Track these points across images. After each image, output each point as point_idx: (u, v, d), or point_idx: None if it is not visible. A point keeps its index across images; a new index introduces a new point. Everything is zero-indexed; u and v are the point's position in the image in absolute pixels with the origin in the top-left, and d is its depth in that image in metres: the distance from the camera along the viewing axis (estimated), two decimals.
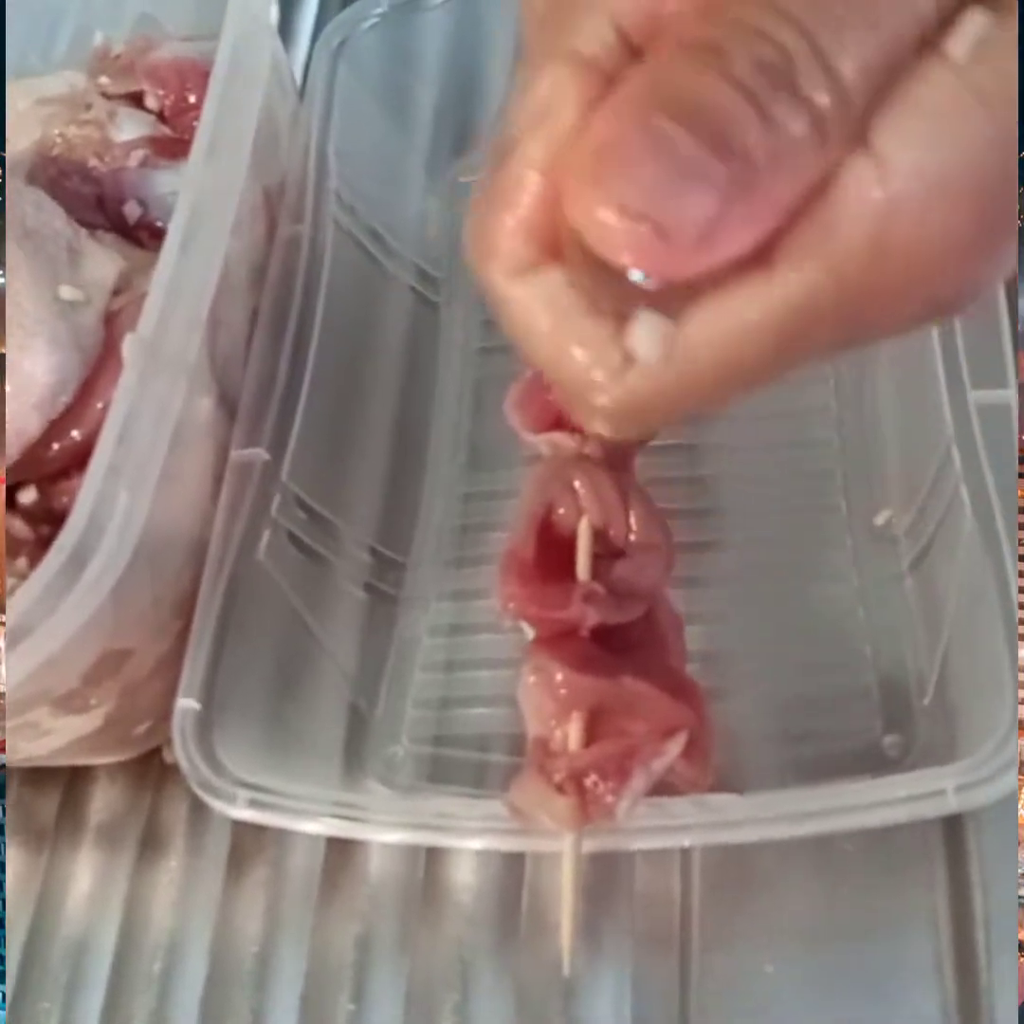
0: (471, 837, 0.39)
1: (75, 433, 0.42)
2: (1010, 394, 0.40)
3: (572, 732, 0.36)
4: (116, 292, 0.45)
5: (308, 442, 0.46)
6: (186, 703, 0.40)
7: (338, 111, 0.54)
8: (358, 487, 0.49)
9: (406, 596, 0.48)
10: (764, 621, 0.44)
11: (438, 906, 0.43)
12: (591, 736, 0.36)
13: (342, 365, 0.50)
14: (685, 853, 0.41)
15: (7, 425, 0.41)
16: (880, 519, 0.45)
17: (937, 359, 0.41)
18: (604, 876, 0.41)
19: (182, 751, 0.39)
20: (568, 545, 0.40)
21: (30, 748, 0.41)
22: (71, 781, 0.48)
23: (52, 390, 0.41)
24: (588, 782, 0.35)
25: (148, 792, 0.47)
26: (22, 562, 0.39)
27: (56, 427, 0.42)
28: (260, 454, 0.45)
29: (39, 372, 0.41)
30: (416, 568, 0.49)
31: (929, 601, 0.42)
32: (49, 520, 0.42)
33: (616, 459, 0.42)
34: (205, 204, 0.43)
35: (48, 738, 0.41)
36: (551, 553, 0.39)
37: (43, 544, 0.40)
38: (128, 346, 0.40)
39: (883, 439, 0.46)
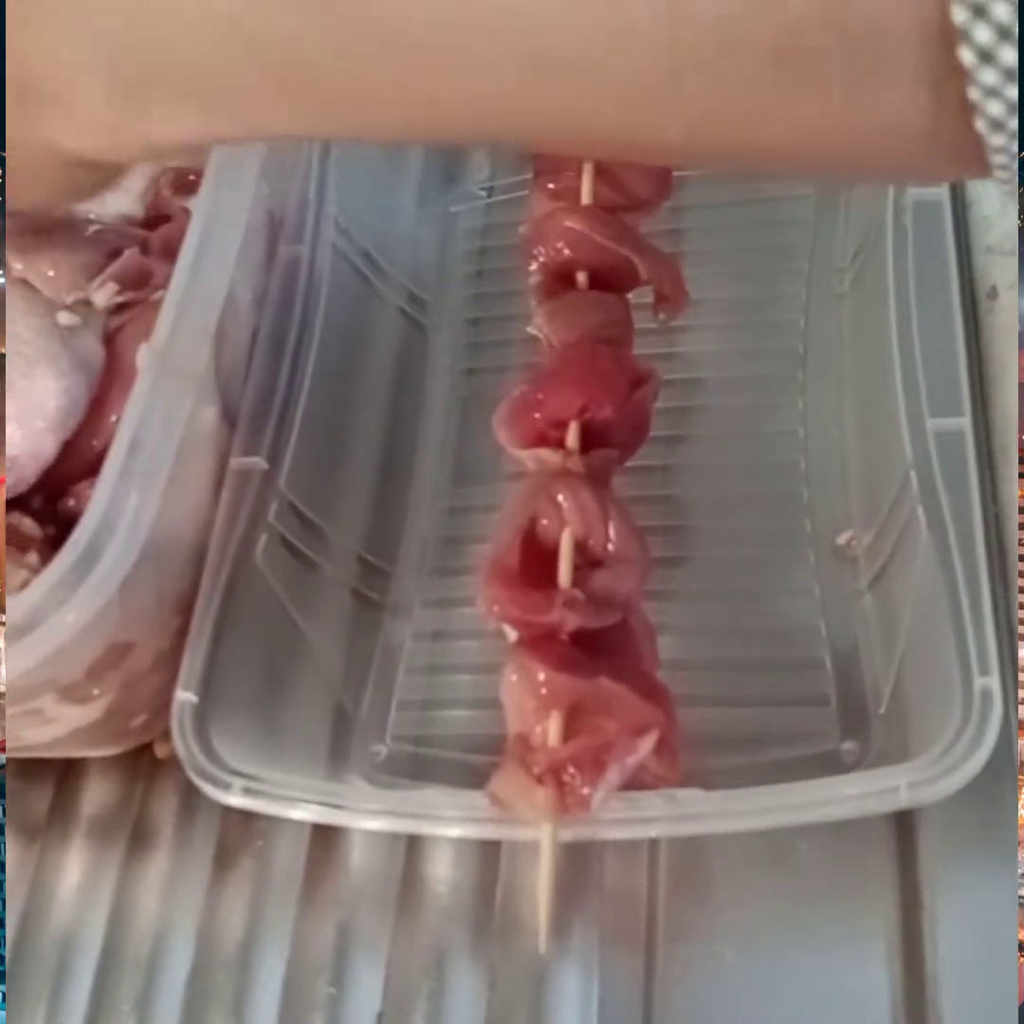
0: (452, 825, 0.40)
1: (88, 446, 0.44)
2: (964, 422, 0.42)
3: (552, 728, 0.38)
4: (113, 312, 0.47)
5: (304, 453, 0.48)
6: (185, 695, 0.42)
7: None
8: (349, 497, 0.52)
9: (392, 603, 0.51)
10: (731, 633, 0.47)
11: (416, 898, 0.45)
12: (569, 732, 0.38)
13: (336, 381, 0.52)
14: (652, 852, 0.44)
15: (22, 448, 0.43)
16: (842, 539, 0.48)
17: (898, 389, 0.44)
18: (575, 874, 0.43)
19: (180, 740, 0.41)
20: (550, 554, 0.42)
21: (33, 735, 0.43)
22: (63, 775, 0.50)
23: (62, 412, 0.44)
24: (566, 775, 0.37)
25: (139, 786, 0.49)
26: (33, 557, 0.41)
27: (70, 445, 0.44)
28: (259, 463, 0.47)
29: (48, 398, 0.44)
30: (401, 576, 0.51)
31: (886, 616, 0.44)
32: (55, 521, 0.44)
33: (598, 476, 0.45)
34: (214, 227, 0.45)
35: (50, 726, 0.43)
36: (534, 561, 0.42)
37: (51, 542, 0.42)
38: (142, 356, 0.42)
39: (846, 463, 0.49)
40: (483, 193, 0.63)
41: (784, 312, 0.55)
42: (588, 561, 0.42)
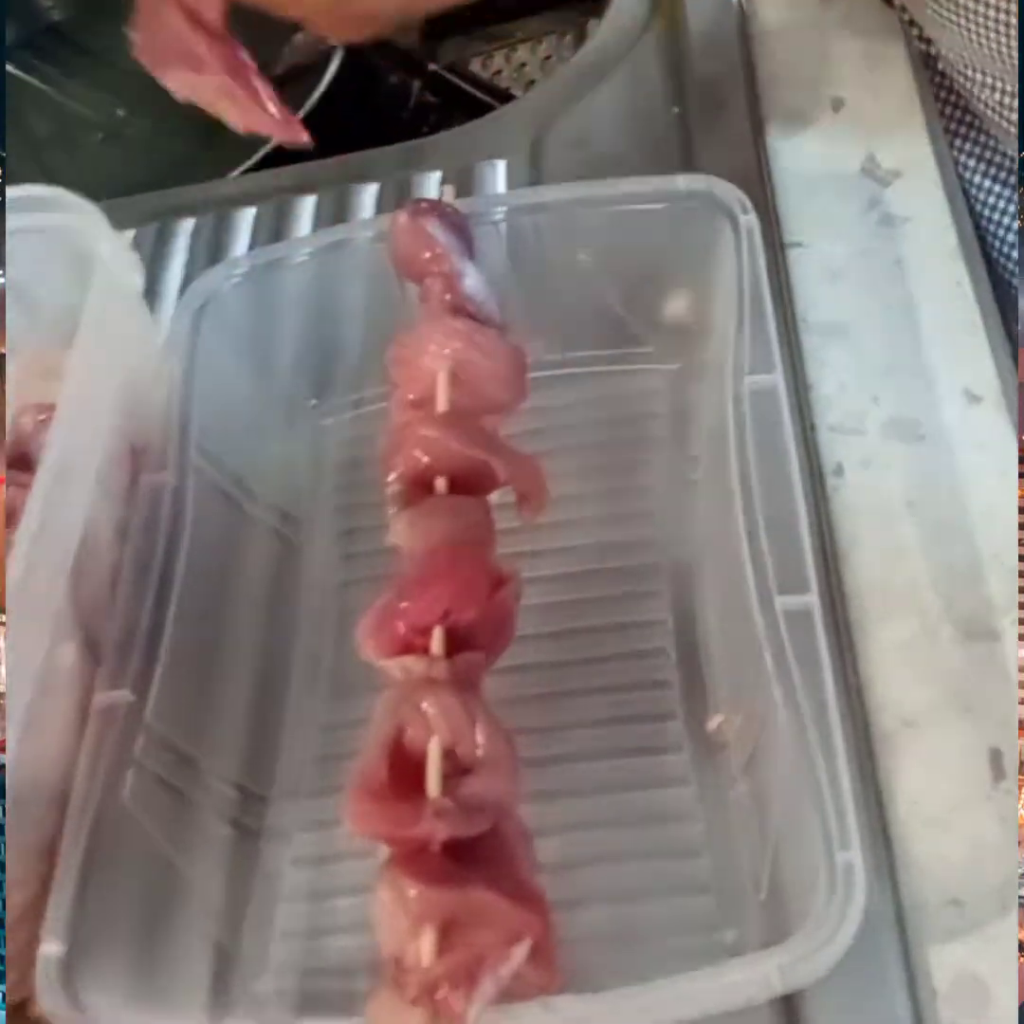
0: None
1: None
2: (812, 599, 0.43)
3: (424, 946, 0.37)
4: None
5: (172, 682, 0.48)
6: (50, 946, 0.40)
7: (200, 366, 0.56)
8: (222, 724, 0.51)
9: (270, 829, 0.50)
10: (610, 831, 0.47)
11: None
12: (442, 947, 0.37)
13: (206, 606, 0.52)
14: None
15: None
16: (712, 724, 0.48)
17: (748, 570, 0.45)
18: None
19: (46, 994, 0.40)
20: (418, 764, 0.42)
21: None
22: None
23: None
24: (439, 993, 0.36)
25: None
26: None
27: None
28: (125, 696, 0.46)
29: None
30: (279, 801, 0.51)
31: (759, 801, 0.44)
32: None
33: (464, 680, 0.45)
34: (69, 460, 0.46)
35: None
36: (402, 772, 0.41)
37: None
38: None
39: (710, 649, 0.50)
40: (352, 405, 0.64)
41: (643, 502, 0.57)
42: (457, 768, 0.42)
